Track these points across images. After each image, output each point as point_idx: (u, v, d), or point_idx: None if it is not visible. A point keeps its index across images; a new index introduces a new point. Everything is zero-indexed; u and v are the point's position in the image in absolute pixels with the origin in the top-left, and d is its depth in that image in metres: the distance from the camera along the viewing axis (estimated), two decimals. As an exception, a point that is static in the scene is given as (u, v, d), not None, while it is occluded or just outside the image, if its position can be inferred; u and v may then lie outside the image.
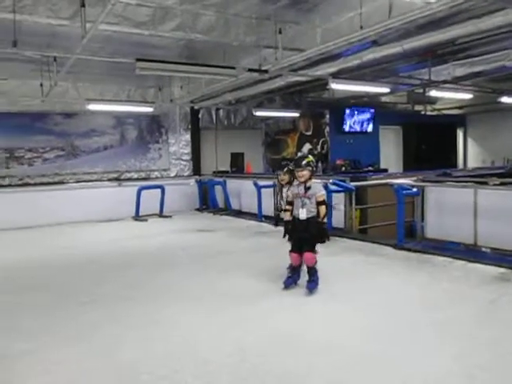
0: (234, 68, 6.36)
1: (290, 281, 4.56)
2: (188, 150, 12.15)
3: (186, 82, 10.22)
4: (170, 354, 3.18)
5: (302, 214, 4.43)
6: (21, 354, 3.27)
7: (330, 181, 7.26)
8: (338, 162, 12.17)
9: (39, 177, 10.39)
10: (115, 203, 10.27)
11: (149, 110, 9.73)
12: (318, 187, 4.56)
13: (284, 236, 4.61)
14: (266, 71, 6.71)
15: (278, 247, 6.72)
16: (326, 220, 4.51)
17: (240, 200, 10.52)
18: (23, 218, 9.13)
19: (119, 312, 4.14)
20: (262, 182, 9.20)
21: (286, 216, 4.64)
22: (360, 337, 3.39)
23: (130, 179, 11.25)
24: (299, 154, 4.80)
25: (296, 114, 11.81)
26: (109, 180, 11.04)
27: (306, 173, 4.45)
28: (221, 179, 10.83)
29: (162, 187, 10.42)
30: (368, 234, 7.72)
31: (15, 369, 3.06)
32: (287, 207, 4.64)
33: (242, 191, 10.42)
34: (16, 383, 2.90)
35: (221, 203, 10.96)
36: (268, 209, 8.90)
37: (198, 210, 11.34)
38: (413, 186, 6.37)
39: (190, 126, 12.16)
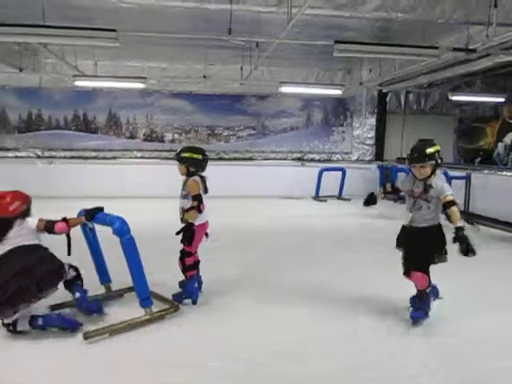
0: (436, 48, 5.93)
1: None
2: (372, 134, 11.91)
3: (377, 65, 9.94)
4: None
5: (414, 221, 3.42)
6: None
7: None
8: (550, 156, 10.45)
9: (233, 153, 11.48)
10: (297, 182, 10.75)
11: (337, 92, 9.79)
12: (441, 185, 3.35)
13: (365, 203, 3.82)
14: (473, 50, 6.08)
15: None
16: (460, 224, 3.22)
17: (424, 190, 9.90)
18: (213, 189, 10.09)
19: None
20: (452, 173, 8.50)
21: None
22: None
23: (312, 160, 11.61)
24: (416, 143, 3.49)
25: (500, 99, 10.46)
26: (292, 159, 11.58)
27: (426, 170, 3.33)
28: (405, 166, 10.34)
29: (343, 170, 10.50)
30: None
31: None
32: (387, 186, 3.76)
33: (427, 180, 9.80)
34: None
35: (402, 191, 10.50)
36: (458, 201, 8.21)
37: (377, 195, 11.09)
38: None
39: (375, 110, 11.87)
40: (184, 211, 3.70)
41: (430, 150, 3.31)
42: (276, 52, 8.50)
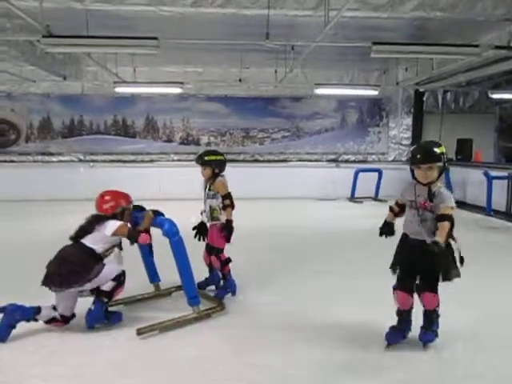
0: (477, 46, 5.84)
1: (396, 335, 3.18)
2: (408, 134, 11.74)
3: (413, 64, 9.81)
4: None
5: (418, 233, 3.00)
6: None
7: None
8: None
9: (267, 155, 11.57)
10: (332, 183, 10.74)
11: (373, 93, 9.73)
12: (445, 194, 2.95)
13: (380, 234, 3.41)
14: (516, 48, 5.96)
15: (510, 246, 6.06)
16: (440, 240, 2.74)
17: (464, 190, 9.72)
18: (249, 191, 9.99)
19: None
20: (493, 173, 8.32)
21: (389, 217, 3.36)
22: None
23: (347, 161, 11.56)
24: (420, 143, 3.38)
25: (543, 96, 10.16)
26: (327, 161, 11.56)
27: (433, 173, 2.91)
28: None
29: (379, 171, 10.41)
30: None
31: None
32: (394, 208, 3.32)
33: (467, 181, 9.62)
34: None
35: (440, 192, 10.34)
36: (499, 202, 8.06)
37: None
38: None
39: (412, 110, 11.71)
40: (214, 210, 3.91)
41: (437, 150, 2.91)
42: (311, 54, 8.55)
